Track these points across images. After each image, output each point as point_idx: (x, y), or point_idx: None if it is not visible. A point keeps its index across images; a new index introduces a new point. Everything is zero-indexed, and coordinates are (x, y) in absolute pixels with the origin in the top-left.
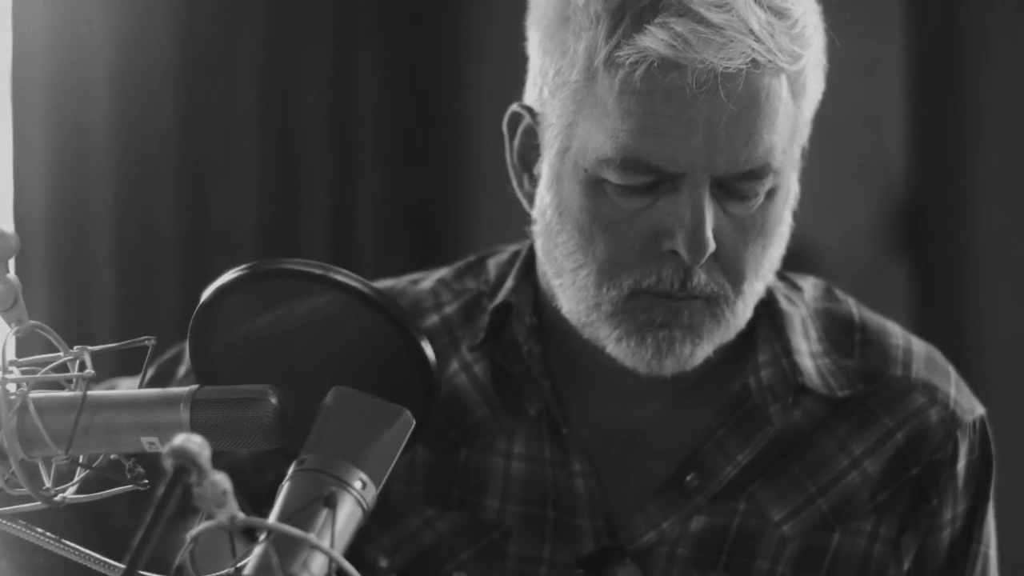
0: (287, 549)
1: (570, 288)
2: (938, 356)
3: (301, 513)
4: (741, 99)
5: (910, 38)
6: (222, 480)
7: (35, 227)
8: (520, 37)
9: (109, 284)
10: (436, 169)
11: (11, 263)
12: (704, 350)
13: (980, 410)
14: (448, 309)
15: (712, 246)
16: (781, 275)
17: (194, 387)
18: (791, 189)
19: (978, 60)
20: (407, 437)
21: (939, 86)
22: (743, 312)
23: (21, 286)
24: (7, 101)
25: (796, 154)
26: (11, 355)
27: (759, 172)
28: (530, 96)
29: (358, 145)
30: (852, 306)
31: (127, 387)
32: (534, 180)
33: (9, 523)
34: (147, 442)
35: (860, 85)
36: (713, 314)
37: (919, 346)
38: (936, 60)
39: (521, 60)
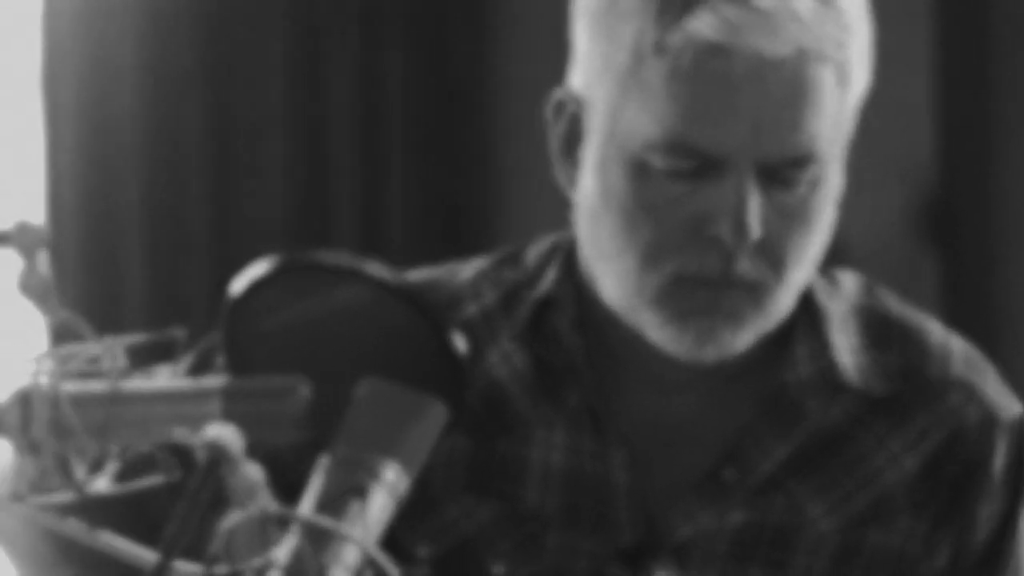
0: (319, 540)
1: (612, 274)
2: (977, 355)
3: (333, 504)
4: (787, 86)
5: (938, 25)
6: (255, 471)
7: (67, 221)
8: (549, 27)
9: (140, 277)
10: (465, 161)
11: (44, 256)
12: (745, 338)
13: (1018, 409)
14: (487, 299)
15: (756, 232)
16: (819, 270)
17: (225, 378)
18: (834, 180)
19: (1007, 47)
20: (441, 428)
21: (968, 74)
22: (785, 302)
23: (53, 278)
24: (39, 99)
25: (840, 145)
26: (43, 346)
27: (804, 160)
28: (575, 82)
29: (386, 139)
30: (892, 303)
31: (165, 376)
32: (577, 166)
33: (42, 514)
34: (180, 433)
35: (887, 73)
36: (755, 302)
37: (958, 344)
38: (965, 47)
39: (550, 50)
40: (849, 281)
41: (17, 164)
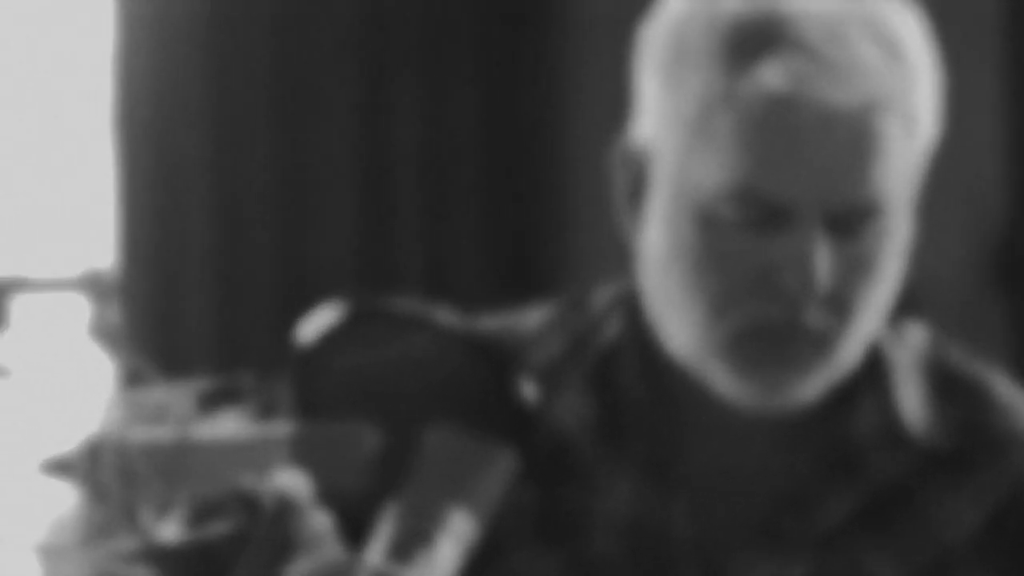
0: None
1: (679, 324)
2: None
3: (400, 552)
4: (854, 136)
5: (1010, 69)
6: (322, 519)
7: (136, 266)
8: (617, 70)
9: (207, 322)
10: (532, 206)
11: (114, 302)
12: (812, 388)
13: None
14: (553, 348)
15: (823, 283)
16: (887, 321)
17: (293, 425)
18: (902, 231)
19: None
20: (508, 477)
21: None
22: (851, 352)
23: (123, 324)
24: (111, 143)
25: (908, 195)
26: (112, 392)
27: (870, 210)
28: (640, 131)
29: (452, 183)
30: (958, 356)
31: (232, 422)
32: (641, 216)
33: (109, 561)
34: (248, 480)
35: (956, 117)
36: (821, 352)
37: (1023, 399)
38: None
39: (619, 93)
40: (916, 333)
41: (88, 207)
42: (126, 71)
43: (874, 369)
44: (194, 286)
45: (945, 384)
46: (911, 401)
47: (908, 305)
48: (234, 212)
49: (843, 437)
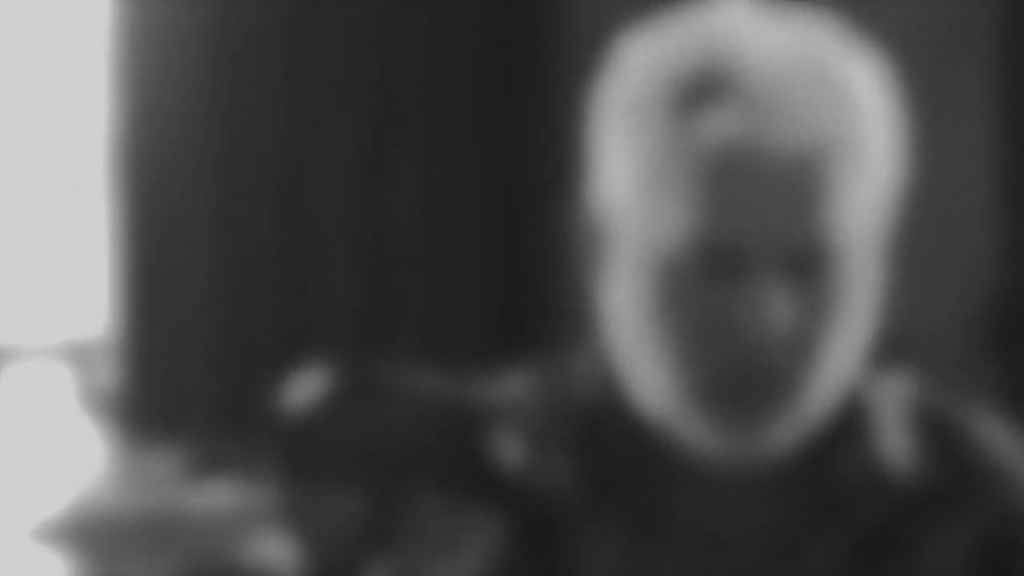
0: None
1: (646, 380)
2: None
3: None
4: (802, 181)
5: (1003, 121)
6: None
7: (136, 318)
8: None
9: (208, 372)
10: (532, 260)
11: (101, 369)
12: (782, 436)
13: None
14: (537, 410)
15: (780, 328)
16: (870, 367)
17: (280, 492)
18: (867, 273)
19: None
20: (495, 540)
21: None
22: (822, 398)
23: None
24: (108, 192)
25: (868, 237)
26: (100, 458)
27: (825, 253)
28: (599, 191)
29: (453, 238)
30: (942, 398)
31: (217, 489)
32: (605, 275)
33: None
34: (233, 550)
35: (950, 170)
36: (787, 398)
37: (1004, 435)
38: None
39: None
40: (900, 378)
41: (78, 270)
42: (125, 125)
43: (855, 415)
44: (193, 343)
45: (930, 427)
46: (894, 444)
47: (894, 353)
48: (235, 268)
49: (827, 484)
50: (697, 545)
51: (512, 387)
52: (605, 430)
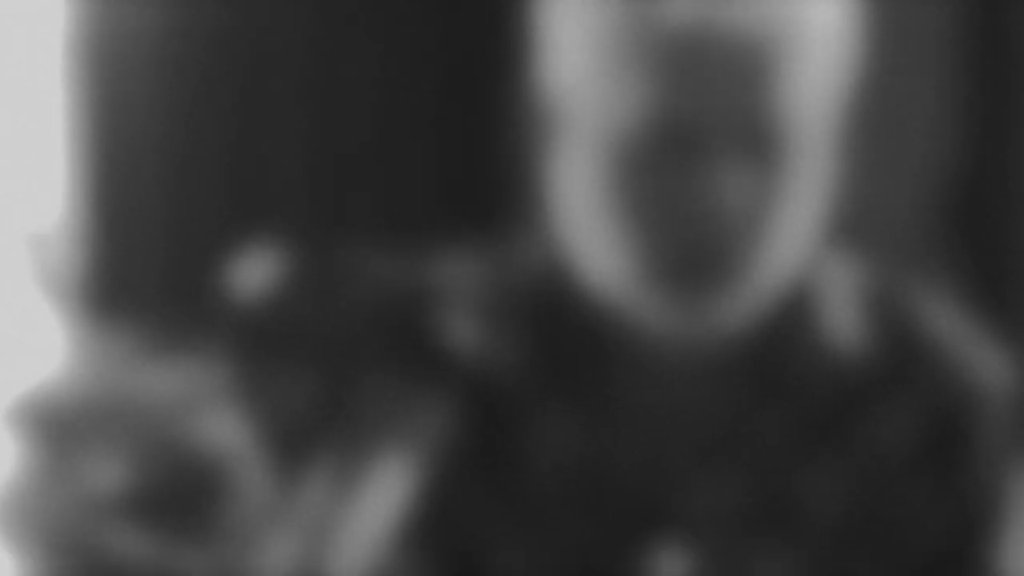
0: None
1: (598, 259)
2: (974, 325)
3: (339, 494)
4: (754, 64)
5: (968, 17)
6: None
7: (89, 202)
8: None
9: (157, 256)
10: (482, 141)
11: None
12: (733, 312)
13: (1009, 377)
14: (486, 293)
15: (731, 205)
16: (823, 249)
17: (233, 372)
18: (820, 158)
19: None
20: (443, 420)
21: (997, 66)
22: (771, 276)
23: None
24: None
25: (819, 121)
26: (52, 340)
27: (777, 135)
28: (551, 74)
29: (405, 117)
30: (894, 280)
31: (169, 371)
32: (557, 157)
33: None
34: (186, 431)
35: (905, 49)
36: (738, 275)
37: (954, 315)
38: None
39: None
40: (852, 261)
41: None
42: (80, 9)
43: (805, 297)
44: (148, 226)
45: (879, 309)
46: (843, 325)
47: (847, 238)
48: (188, 149)
49: (776, 365)
50: (646, 427)
51: (463, 269)
52: (555, 311)
